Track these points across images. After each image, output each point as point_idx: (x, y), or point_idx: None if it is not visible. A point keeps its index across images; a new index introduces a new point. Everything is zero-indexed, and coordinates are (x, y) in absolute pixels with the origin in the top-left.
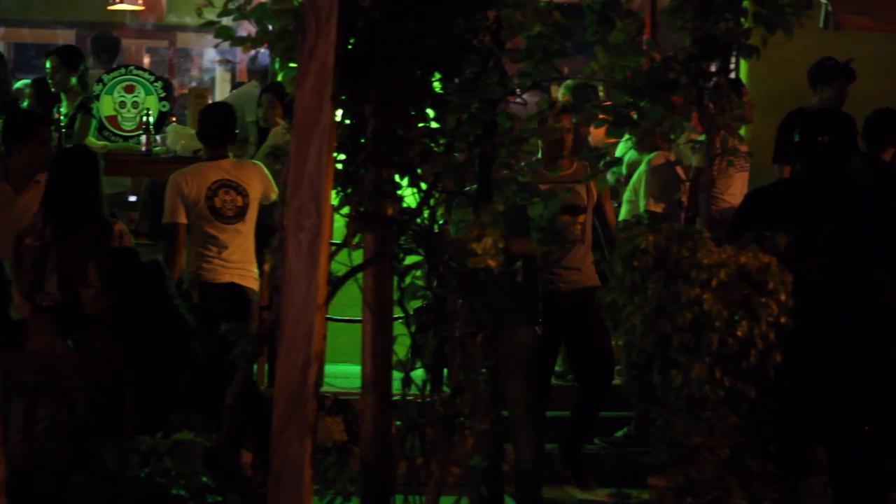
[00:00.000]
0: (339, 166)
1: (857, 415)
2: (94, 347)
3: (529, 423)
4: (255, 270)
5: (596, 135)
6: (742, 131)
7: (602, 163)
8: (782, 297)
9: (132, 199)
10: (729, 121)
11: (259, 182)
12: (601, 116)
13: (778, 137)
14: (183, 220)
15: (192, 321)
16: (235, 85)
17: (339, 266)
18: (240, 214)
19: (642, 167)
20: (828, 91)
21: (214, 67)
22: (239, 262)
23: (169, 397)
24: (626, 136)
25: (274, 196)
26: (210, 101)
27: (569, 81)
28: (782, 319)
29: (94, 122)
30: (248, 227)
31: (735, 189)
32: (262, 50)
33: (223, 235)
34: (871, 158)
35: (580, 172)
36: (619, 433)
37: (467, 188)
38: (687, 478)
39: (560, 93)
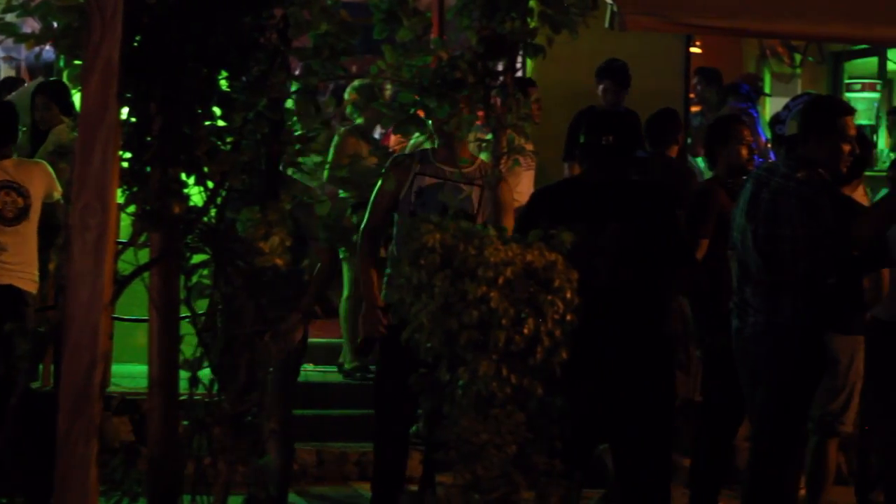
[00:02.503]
0: (125, 164)
1: (640, 411)
2: None
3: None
4: (36, 272)
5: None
6: (529, 130)
7: (391, 162)
8: (568, 295)
9: None
10: (515, 120)
11: (41, 181)
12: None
13: (568, 136)
14: None
15: None
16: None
17: (126, 265)
18: (20, 216)
19: None
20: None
21: None
22: (18, 263)
23: None
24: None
25: (57, 195)
26: None
27: (356, 82)
28: (568, 317)
29: None
30: (30, 228)
31: (522, 188)
32: (47, 47)
33: (3, 238)
34: (657, 156)
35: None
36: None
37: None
38: (474, 475)
39: (347, 92)
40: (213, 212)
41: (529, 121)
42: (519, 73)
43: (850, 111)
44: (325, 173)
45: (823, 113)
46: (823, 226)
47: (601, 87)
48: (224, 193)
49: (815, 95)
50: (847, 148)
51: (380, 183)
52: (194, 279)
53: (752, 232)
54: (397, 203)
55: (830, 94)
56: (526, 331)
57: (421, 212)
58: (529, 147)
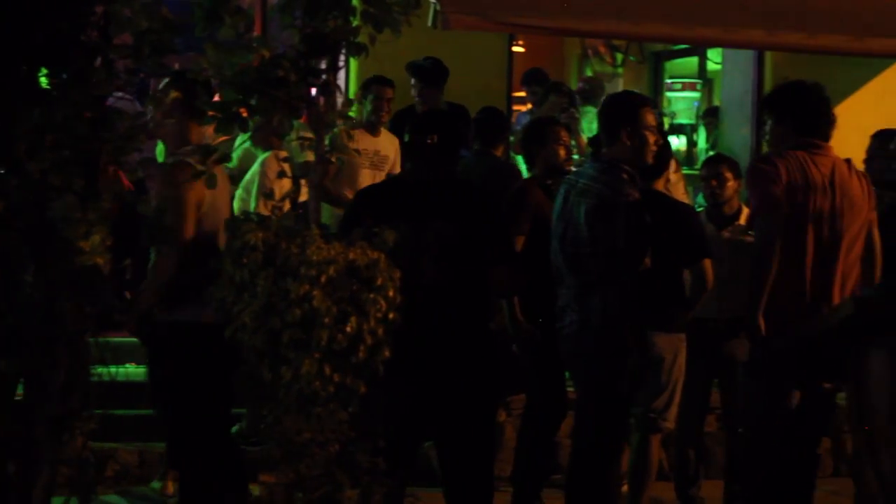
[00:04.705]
0: None
1: (464, 409)
2: None
3: None
4: None
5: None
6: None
7: (210, 159)
8: (391, 293)
9: None
10: (337, 118)
11: None
12: (210, 113)
13: None
14: None
15: None
16: None
17: None
18: None
19: (256, 166)
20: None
21: None
22: None
23: None
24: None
25: None
26: None
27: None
28: (391, 315)
29: None
30: None
31: (359, 186)
32: None
33: None
34: (483, 155)
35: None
36: (232, 430)
37: None
38: (297, 473)
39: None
40: (33, 210)
41: (350, 120)
42: (342, 72)
43: (647, 102)
44: None
45: (620, 109)
46: (620, 227)
47: (412, 81)
48: (45, 191)
49: (610, 94)
50: (652, 138)
51: None
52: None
53: (559, 234)
54: None
55: (627, 90)
56: (349, 329)
57: None
58: (353, 145)
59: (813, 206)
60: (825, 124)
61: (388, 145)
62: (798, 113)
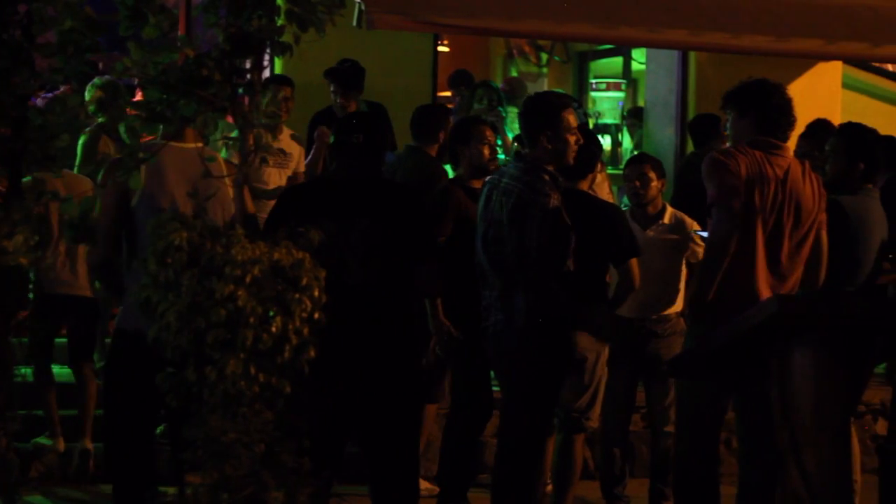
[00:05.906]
0: None
1: (389, 408)
2: None
3: None
4: None
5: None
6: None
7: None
8: (316, 293)
9: None
10: (262, 118)
11: None
12: (133, 113)
13: (308, 138)
14: None
15: None
16: None
17: None
18: None
19: None
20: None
21: None
22: None
23: None
24: None
25: None
26: None
27: (96, 80)
28: (316, 315)
29: None
30: None
31: (266, 184)
32: None
33: None
34: (414, 151)
35: None
36: (157, 430)
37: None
38: (222, 474)
39: (89, 90)
40: None
41: (275, 119)
42: (266, 71)
43: (567, 103)
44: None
45: (539, 113)
46: (535, 228)
47: (331, 87)
48: None
49: (529, 96)
50: (573, 138)
51: None
52: None
53: (482, 234)
54: None
55: (548, 91)
56: (274, 329)
57: None
58: (278, 145)
59: (763, 204)
60: (786, 124)
61: (290, 143)
62: (761, 110)
